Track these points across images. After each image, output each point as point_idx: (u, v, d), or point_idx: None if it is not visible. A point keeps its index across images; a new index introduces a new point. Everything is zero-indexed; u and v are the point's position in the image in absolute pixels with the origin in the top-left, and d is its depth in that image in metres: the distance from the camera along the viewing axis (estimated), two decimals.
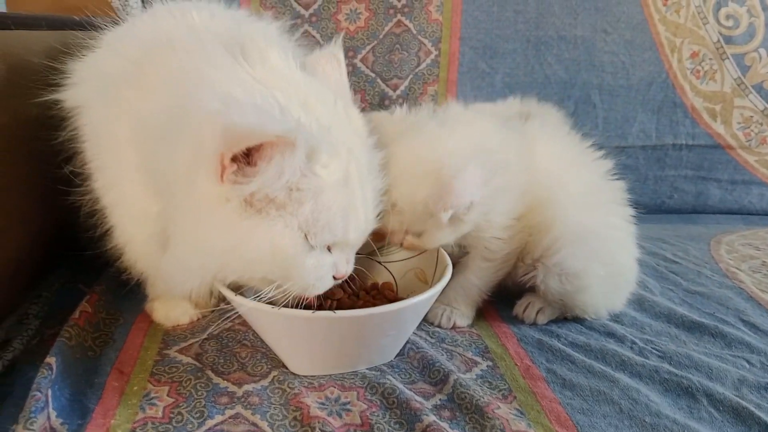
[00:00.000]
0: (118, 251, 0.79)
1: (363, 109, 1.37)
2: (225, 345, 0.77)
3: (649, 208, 1.57)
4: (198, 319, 0.84)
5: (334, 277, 0.68)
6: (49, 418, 0.61)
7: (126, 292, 0.88)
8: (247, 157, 0.55)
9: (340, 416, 0.64)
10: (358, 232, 0.67)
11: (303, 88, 0.64)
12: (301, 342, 0.69)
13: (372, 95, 1.41)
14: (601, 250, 0.83)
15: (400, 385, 0.69)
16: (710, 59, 1.52)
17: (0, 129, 0.76)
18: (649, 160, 1.54)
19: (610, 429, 0.64)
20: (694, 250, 1.19)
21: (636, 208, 1.53)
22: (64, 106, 0.76)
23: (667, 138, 1.54)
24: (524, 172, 0.79)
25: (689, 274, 1.05)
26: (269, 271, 0.63)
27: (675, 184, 1.57)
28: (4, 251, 0.77)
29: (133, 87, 0.67)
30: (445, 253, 0.78)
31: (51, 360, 0.66)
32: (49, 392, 0.63)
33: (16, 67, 0.80)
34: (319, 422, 0.62)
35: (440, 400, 0.68)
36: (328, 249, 0.66)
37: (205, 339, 0.78)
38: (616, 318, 0.87)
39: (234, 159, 0.54)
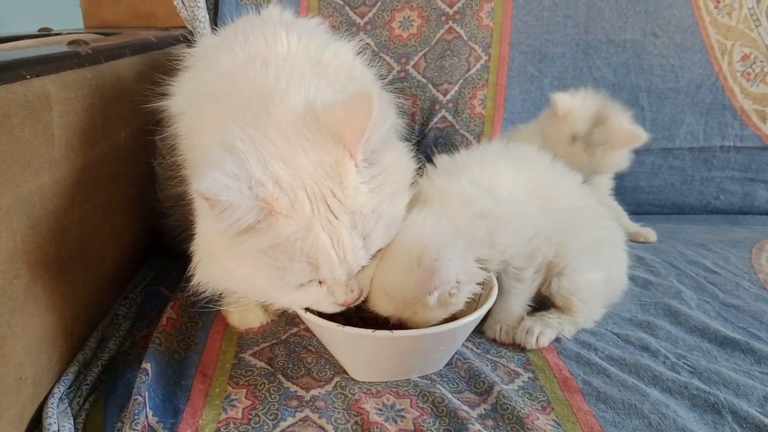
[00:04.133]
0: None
1: (413, 114, 1.47)
2: (292, 350, 0.86)
3: (695, 209, 1.61)
4: (268, 323, 0.93)
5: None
6: (147, 417, 0.72)
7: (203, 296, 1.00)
8: None
9: (396, 422, 0.73)
10: (334, 273, 0.71)
11: (294, 142, 0.71)
12: (361, 354, 0.78)
13: (423, 100, 1.47)
14: (605, 260, 0.93)
15: (449, 395, 0.77)
16: (761, 62, 1.53)
17: (99, 158, 0.87)
18: (696, 161, 1.57)
19: None
20: (734, 258, 1.22)
21: (681, 208, 1.59)
22: (168, 113, 0.91)
23: (715, 140, 1.56)
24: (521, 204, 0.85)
25: (727, 286, 1.09)
26: (259, 298, 0.79)
27: (722, 185, 1.59)
28: (103, 265, 0.88)
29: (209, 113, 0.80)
30: (492, 274, 0.85)
31: (147, 365, 0.77)
32: (146, 394, 0.74)
33: (109, 98, 0.90)
34: (377, 427, 0.71)
35: (485, 410, 0.76)
36: (320, 282, 0.73)
37: (275, 343, 0.88)
38: (652, 332, 0.93)
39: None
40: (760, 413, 0.75)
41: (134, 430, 0.67)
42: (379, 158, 0.74)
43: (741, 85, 1.54)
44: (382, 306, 0.78)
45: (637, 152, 1.53)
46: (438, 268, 0.71)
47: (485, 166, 0.85)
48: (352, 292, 0.75)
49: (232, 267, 0.73)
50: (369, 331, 0.72)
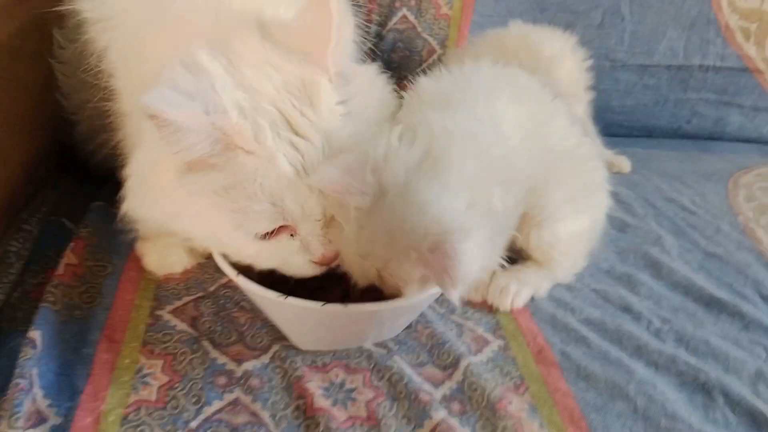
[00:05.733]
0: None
1: (369, 11, 1.26)
2: (222, 307, 0.72)
3: (665, 133, 1.50)
4: (192, 268, 0.78)
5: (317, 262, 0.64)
6: (35, 400, 0.57)
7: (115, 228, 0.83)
8: None
9: (345, 406, 0.61)
10: (305, 206, 0.60)
11: (258, 69, 0.60)
12: (307, 327, 0.65)
13: (382, 5, 1.26)
14: (589, 206, 0.80)
15: (408, 369, 0.65)
16: None
17: None
18: (673, 81, 1.44)
19: (625, 431, 0.62)
20: (711, 194, 1.13)
21: (651, 131, 1.48)
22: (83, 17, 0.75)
23: (695, 58, 1.43)
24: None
25: (707, 230, 0.99)
26: (212, 246, 0.66)
27: (695, 108, 1.48)
28: None
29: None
30: None
31: (34, 334, 0.62)
32: (35, 371, 0.59)
33: None
34: (323, 416, 0.59)
35: (450, 389, 0.64)
36: (291, 235, 0.62)
37: (201, 297, 0.74)
38: (633, 288, 0.83)
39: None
40: (753, 393, 0.67)
41: (14, 429, 0.53)
42: (351, 77, 0.64)
43: None
44: (362, 277, 0.62)
45: (613, 69, 1.41)
46: (462, 259, 0.53)
47: (487, 96, 0.68)
48: (330, 242, 0.63)
49: (178, 204, 0.62)
50: (318, 304, 0.58)
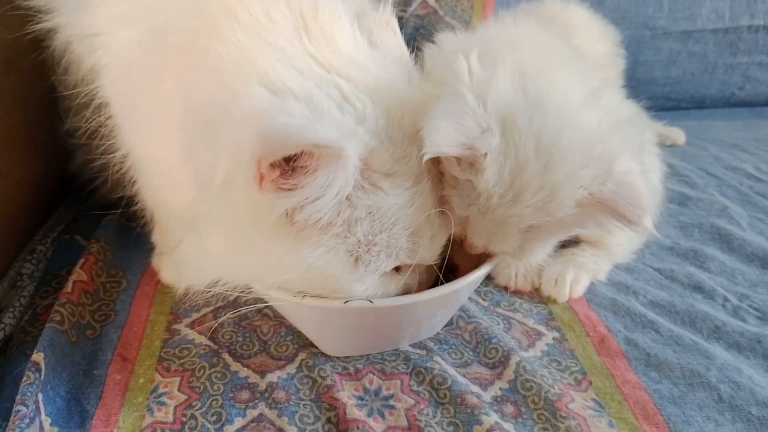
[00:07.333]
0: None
1: None
2: (243, 316, 0.66)
3: (716, 102, 1.40)
4: None
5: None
6: (41, 427, 0.52)
7: (129, 242, 0.78)
8: (289, 164, 0.43)
9: (383, 416, 0.54)
10: (432, 251, 0.53)
11: (372, 70, 0.51)
12: (333, 329, 0.58)
13: None
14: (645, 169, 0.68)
15: (451, 370, 0.58)
16: None
17: None
18: (720, 45, 1.34)
19: (710, 424, 0.53)
20: None
21: (701, 102, 1.38)
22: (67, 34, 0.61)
23: (743, 18, 1.32)
24: None
25: None
26: (312, 290, 0.52)
27: (747, 72, 1.37)
28: None
29: (179, 51, 0.52)
30: None
31: (38, 357, 0.56)
32: (40, 396, 0.53)
33: None
34: (358, 428, 0.52)
35: (501, 389, 0.57)
36: (395, 269, 0.53)
37: (221, 307, 0.68)
38: (702, 263, 0.74)
39: (274, 166, 0.42)
40: None
41: None
42: None
43: None
44: (501, 246, 0.53)
45: (653, 38, 1.31)
46: (636, 180, 0.46)
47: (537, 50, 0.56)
48: (428, 277, 0.57)
49: (281, 257, 0.49)
50: (339, 302, 0.51)
